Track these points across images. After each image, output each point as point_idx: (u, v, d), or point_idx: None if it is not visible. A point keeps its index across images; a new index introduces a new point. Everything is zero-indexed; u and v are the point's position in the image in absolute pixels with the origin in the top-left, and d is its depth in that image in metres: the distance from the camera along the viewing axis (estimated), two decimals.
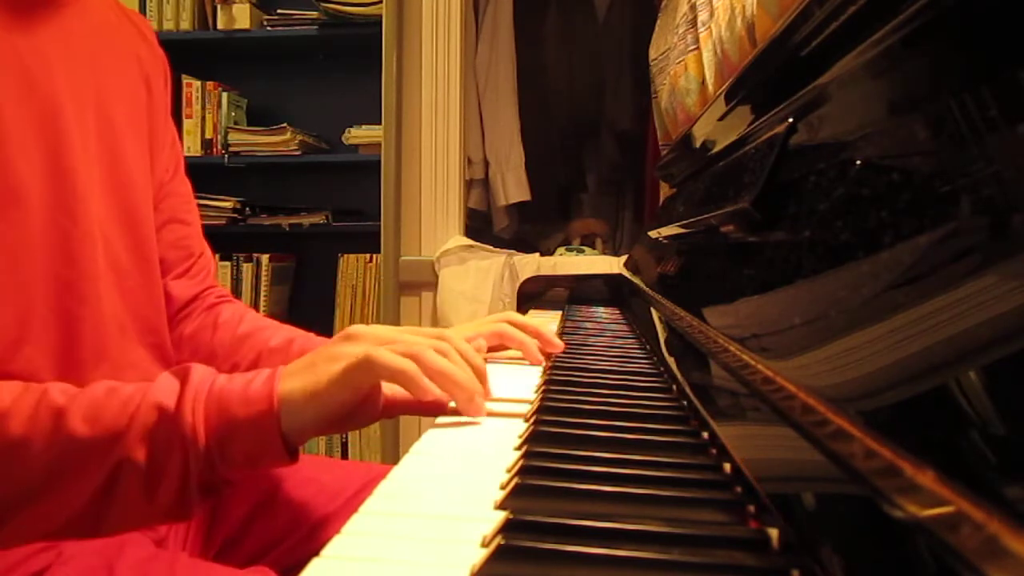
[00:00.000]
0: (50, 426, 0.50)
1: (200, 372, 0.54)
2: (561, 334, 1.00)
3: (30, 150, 0.60)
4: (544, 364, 0.78)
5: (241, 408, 0.52)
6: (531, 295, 1.87)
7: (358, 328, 0.59)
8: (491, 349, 0.78)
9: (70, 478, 0.50)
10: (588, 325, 1.12)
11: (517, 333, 0.77)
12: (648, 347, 0.90)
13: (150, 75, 0.79)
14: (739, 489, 0.42)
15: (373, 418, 0.58)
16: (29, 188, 0.60)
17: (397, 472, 0.45)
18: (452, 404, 0.59)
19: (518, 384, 0.69)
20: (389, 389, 0.59)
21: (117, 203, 0.71)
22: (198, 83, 2.52)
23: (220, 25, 2.45)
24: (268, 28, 2.44)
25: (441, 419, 0.58)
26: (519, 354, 0.79)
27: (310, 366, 0.55)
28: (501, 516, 0.36)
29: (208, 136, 2.51)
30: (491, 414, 0.59)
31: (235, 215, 2.47)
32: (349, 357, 0.54)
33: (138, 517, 0.52)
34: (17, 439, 0.49)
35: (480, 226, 2.22)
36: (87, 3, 0.70)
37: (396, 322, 1.92)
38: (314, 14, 2.38)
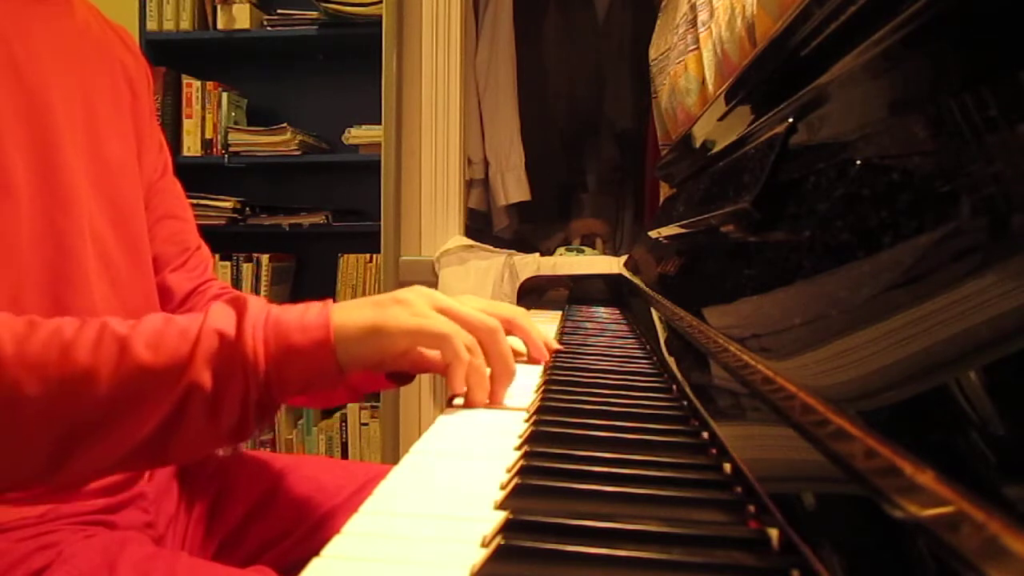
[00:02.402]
0: (116, 354, 0.50)
1: (256, 302, 0.56)
2: (561, 334, 1.00)
3: (19, 142, 0.61)
4: (544, 363, 0.78)
5: (299, 335, 0.54)
6: (531, 295, 1.86)
7: (418, 287, 0.62)
8: None
9: (139, 404, 0.50)
10: (588, 325, 1.12)
11: (526, 323, 0.78)
12: (648, 347, 0.90)
13: (134, 80, 0.81)
14: (739, 489, 0.42)
15: (400, 366, 0.61)
16: (18, 179, 0.61)
17: (397, 472, 0.45)
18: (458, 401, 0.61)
19: (519, 382, 0.69)
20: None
21: (106, 198, 0.71)
22: (198, 83, 2.52)
23: (220, 25, 2.45)
24: (268, 28, 2.44)
25: (441, 419, 0.58)
26: (520, 352, 0.79)
27: (376, 305, 0.58)
28: (501, 516, 0.36)
29: (208, 136, 2.51)
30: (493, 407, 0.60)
31: (235, 215, 2.47)
32: (426, 317, 0.58)
33: (202, 440, 0.53)
34: (85, 368, 0.49)
35: (480, 226, 2.22)
36: (73, 10, 0.72)
37: None
38: (314, 14, 2.38)
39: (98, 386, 0.50)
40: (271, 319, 0.54)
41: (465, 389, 0.60)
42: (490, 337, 0.61)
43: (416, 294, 0.60)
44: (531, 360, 0.78)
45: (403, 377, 0.72)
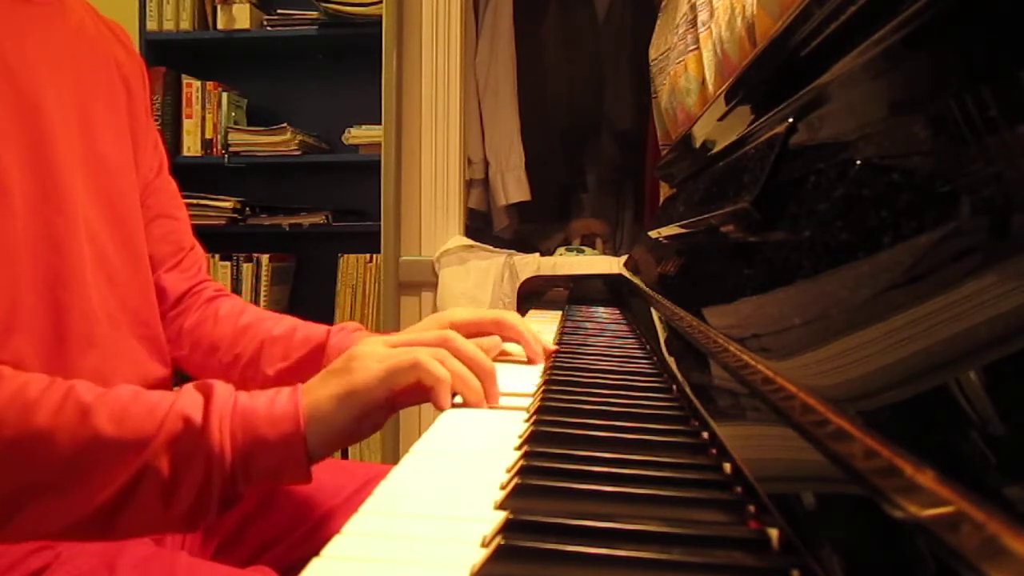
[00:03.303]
0: (76, 421, 0.50)
1: (222, 388, 0.55)
2: (561, 334, 1.00)
3: (12, 144, 0.61)
4: (543, 363, 0.78)
5: (268, 427, 0.52)
6: (531, 295, 1.86)
7: (360, 349, 0.59)
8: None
9: (91, 476, 0.50)
10: (588, 325, 1.12)
11: (516, 323, 0.77)
12: (648, 347, 0.90)
13: (129, 78, 0.80)
14: (739, 489, 0.42)
15: (384, 419, 0.59)
16: (12, 180, 0.61)
17: (397, 472, 0.45)
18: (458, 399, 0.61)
19: (518, 382, 0.69)
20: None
21: (102, 198, 0.71)
22: (198, 83, 2.52)
23: (220, 25, 2.45)
24: (268, 28, 2.44)
25: (441, 419, 0.58)
26: (519, 355, 0.79)
27: (339, 371, 0.56)
28: (501, 516, 0.36)
29: (208, 136, 2.51)
30: (494, 407, 0.60)
31: (235, 215, 2.47)
32: (389, 358, 0.56)
33: (149, 523, 0.53)
34: (42, 430, 0.49)
35: (480, 226, 2.22)
36: (66, 7, 0.71)
37: (396, 322, 1.92)
38: (314, 14, 2.38)
39: (53, 451, 0.49)
40: (239, 409, 0.53)
41: (450, 405, 0.59)
42: (451, 346, 0.60)
43: (365, 346, 0.59)
44: (528, 360, 0.78)
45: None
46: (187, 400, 0.53)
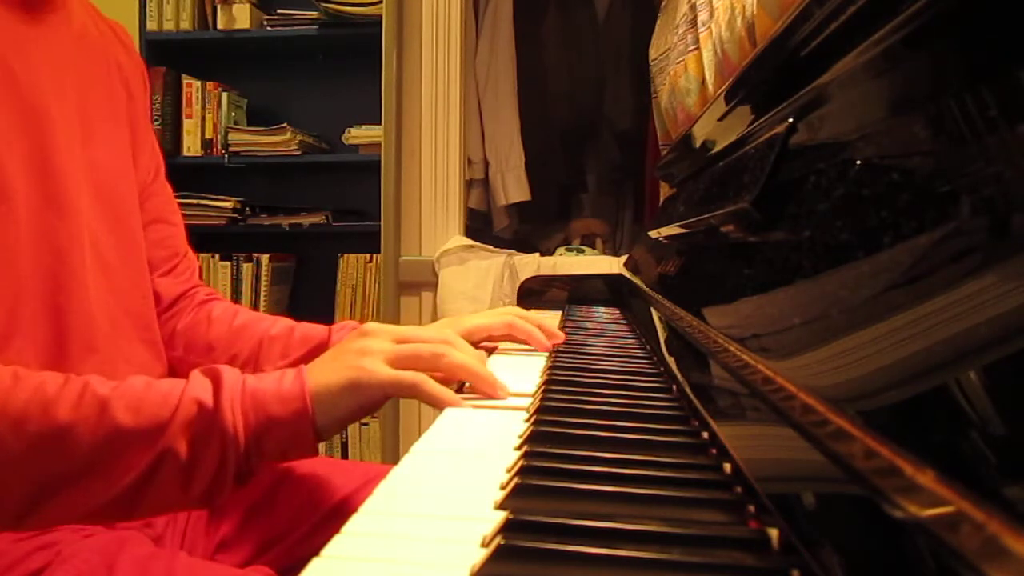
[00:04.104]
0: (95, 414, 0.51)
1: (229, 371, 0.56)
2: None
3: (16, 149, 0.61)
4: (549, 353, 0.81)
5: (277, 406, 0.55)
6: (531, 295, 1.86)
7: (372, 325, 0.64)
8: (498, 340, 0.84)
9: (113, 465, 0.51)
10: (588, 325, 1.12)
11: (524, 325, 0.81)
12: (648, 347, 0.90)
13: (130, 80, 0.81)
14: (739, 489, 0.42)
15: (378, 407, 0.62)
16: (15, 184, 0.61)
17: (397, 472, 0.45)
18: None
19: (521, 377, 0.69)
20: None
21: (103, 202, 0.71)
22: (198, 83, 2.52)
23: (220, 25, 2.45)
24: (268, 28, 2.44)
25: (441, 419, 0.58)
26: (523, 346, 0.82)
27: (344, 359, 0.59)
28: (501, 516, 0.36)
29: (208, 136, 2.51)
30: (493, 407, 0.61)
31: (235, 215, 2.47)
32: (396, 363, 0.59)
33: (170, 504, 0.55)
34: (64, 425, 0.51)
35: (480, 226, 2.22)
36: (69, 11, 0.72)
37: (396, 322, 1.92)
38: (314, 14, 2.38)
39: (75, 444, 0.51)
40: (248, 390, 0.55)
41: (447, 400, 0.61)
42: (441, 356, 0.62)
43: (375, 338, 0.62)
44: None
45: None
46: (198, 385, 0.55)
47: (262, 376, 0.57)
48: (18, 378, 0.52)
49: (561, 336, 0.84)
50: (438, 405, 0.60)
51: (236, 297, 2.49)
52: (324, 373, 0.57)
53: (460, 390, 0.65)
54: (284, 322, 0.85)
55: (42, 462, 0.51)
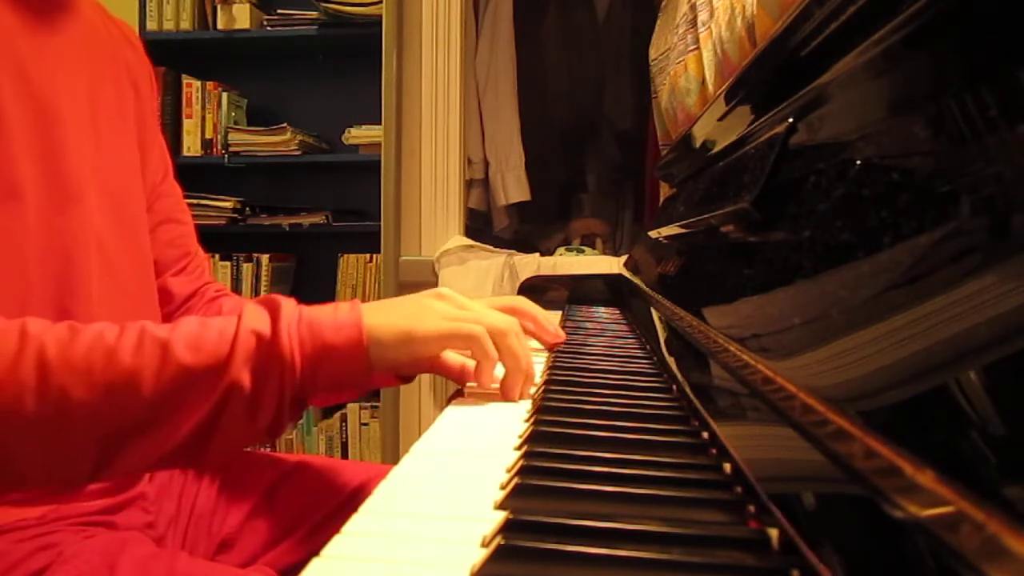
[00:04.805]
0: (159, 357, 0.51)
1: (287, 302, 0.57)
2: None
3: (26, 146, 0.61)
4: (549, 353, 0.81)
5: (332, 334, 0.55)
6: (531, 295, 1.86)
7: (443, 290, 0.65)
8: None
9: (181, 405, 0.51)
10: (588, 325, 1.12)
11: (531, 307, 0.80)
12: (648, 347, 0.90)
13: (138, 80, 0.81)
14: (739, 489, 0.42)
15: (418, 373, 0.65)
16: (25, 183, 0.61)
17: (397, 472, 0.45)
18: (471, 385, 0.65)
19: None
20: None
21: (111, 204, 0.71)
22: (198, 83, 2.52)
23: (220, 25, 2.45)
24: (268, 28, 2.44)
25: (441, 419, 0.58)
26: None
27: (403, 310, 0.60)
28: (501, 516, 0.36)
29: (208, 136, 2.51)
30: (496, 399, 0.64)
31: (235, 215, 2.47)
32: (455, 319, 0.60)
33: (239, 438, 0.54)
34: (130, 371, 0.50)
35: (480, 226, 2.22)
36: (79, 10, 0.71)
37: None
38: (314, 14, 2.38)
39: (142, 389, 0.51)
40: (304, 319, 0.56)
41: (494, 384, 0.63)
42: (506, 334, 0.63)
43: (440, 299, 0.63)
44: (546, 347, 0.82)
45: (408, 376, 0.73)
46: (253, 316, 0.55)
47: (317, 307, 0.57)
48: (75, 330, 0.52)
49: (562, 335, 0.84)
50: (486, 366, 0.61)
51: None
52: (379, 315, 0.58)
53: (459, 393, 0.65)
54: None
55: (113, 410, 0.50)
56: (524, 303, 0.79)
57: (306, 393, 0.55)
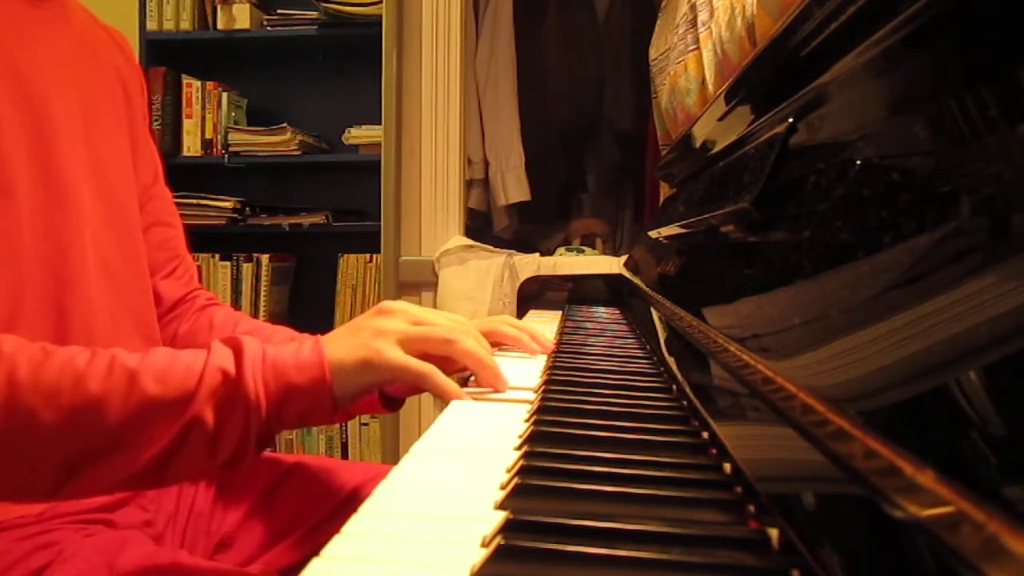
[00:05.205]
0: (125, 386, 0.53)
1: (250, 341, 0.58)
2: (561, 334, 1.00)
3: (19, 146, 0.62)
4: (541, 354, 0.81)
5: (296, 375, 0.57)
6: (531, 295, 1.86)
7: (391, 304, 0.66)
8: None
9: (143, 433, 0.53)
10: (588, 325, 1.12)
11: (509, 330, 0.81)
12: (648, 347, 0.90)
13: (128, 84, 0.81)
14: (739, 489, 0.42)
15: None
16: (19, 182, 0.61)
17: (397, 472, 0.45)
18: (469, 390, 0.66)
19: (521, 376, 0.69)
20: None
21: (104, 201, 0.72)
22: (198, 83, 2.52)
23: (220, 25, 2.45)
24: (268, 28, 2.44)
25: (441, 419, 0.58)
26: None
27: (361, 336, 0.61)
28: (501, 516, 0.36)
29: (208, 136, 2.50)
30: (496, 399, 0.64)
31: (235, 215, 2.47)
32: (411, 344, 0.61)
33: (197, 471, 0.57)
34: (96, 397, 0.52)
35: (480, 226, 2.22)
36: (71, 14, 0.72)
37: None
38: (314, 14, 2.38)
39: (107, 416, 0.52)
40: (268, 359, 0.57)
41: (455, 393, 0.63)
42: (453, 341, 0.65)
43: (392, 318, 0.64)
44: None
45: (396, 403, 0.75)
46: (220, 355, 0.56)
47: (281, 346, 0.59)
48: (48, 353, 0.53)
49: (551, 344, 0.84)
50: (444, 397, 0.62)
51: (236, 297, 2.49)
52: (340, 348, 0.59)
53: (464, 385, 0.66)
54: (285, 332, 0.85)
55: (76, 434, 0.51)
56: (500, 327, 0.81)
57: (272, 431, 0.56)
